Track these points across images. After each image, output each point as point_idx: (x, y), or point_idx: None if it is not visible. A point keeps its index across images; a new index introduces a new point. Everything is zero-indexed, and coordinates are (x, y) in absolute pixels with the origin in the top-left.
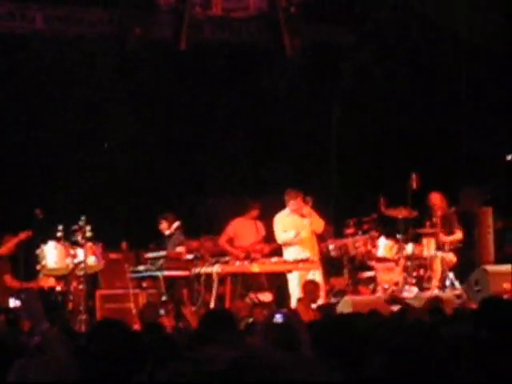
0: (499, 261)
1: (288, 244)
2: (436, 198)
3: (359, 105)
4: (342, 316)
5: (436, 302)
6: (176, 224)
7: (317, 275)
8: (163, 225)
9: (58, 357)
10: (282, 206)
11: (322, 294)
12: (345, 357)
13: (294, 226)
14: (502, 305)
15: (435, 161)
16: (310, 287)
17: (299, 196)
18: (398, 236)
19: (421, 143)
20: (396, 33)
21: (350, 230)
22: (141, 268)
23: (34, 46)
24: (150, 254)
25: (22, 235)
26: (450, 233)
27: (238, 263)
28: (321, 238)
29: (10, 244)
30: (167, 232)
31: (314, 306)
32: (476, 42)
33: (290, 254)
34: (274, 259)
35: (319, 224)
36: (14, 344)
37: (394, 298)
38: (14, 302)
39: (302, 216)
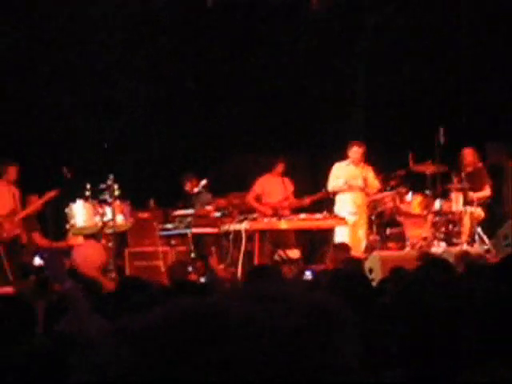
0: None
1: (339, 191)
2: (469, 154)
3: (385, 60)
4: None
5: (465, 256)
6: (203, 182)
7: (360, 231)
8: (187, 185)
9: (81, 314)
10: (310, 164)
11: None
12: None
13: (347, 175)
14: None
15: (463, 115)
16: (336, 251)
17: (362, 147)
18: (427, 191)
19: (448, 98)
20: None
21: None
22: (169, 226)
23: (50, 4)
24: (178, 212)
25: (50, 194)
26: (479, 188)
27: (265, 220)
28: None
29: (37, 204)
30: (195, 190)
31: None
32: None
33: (340, 202)
34: (303, 215)
35: (374, 184)
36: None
37: (425, 254)
38: (38, 261)
39: (361, 167)
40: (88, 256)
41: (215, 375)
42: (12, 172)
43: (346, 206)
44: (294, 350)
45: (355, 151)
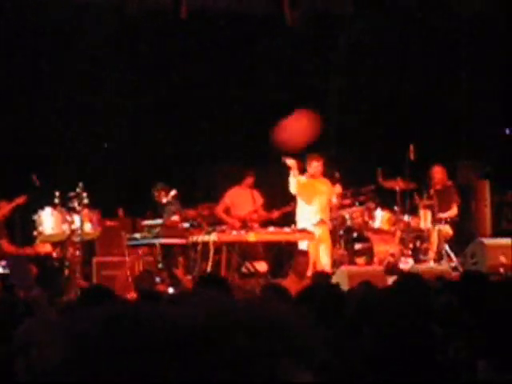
0: (496, 235)
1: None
2: (438, 172)
3: (358, 76)
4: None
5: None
6: (173, 192)
7: (323, 247)
8: (157, 194)
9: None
10: (280, 176)
11: (327, 264)
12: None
13: (310, 189)
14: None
15: (433, 133)
16: (299, 258)
17: (321, 160)
18: (395, 207)
19: (419, 115)
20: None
21: (346, 201)
22: (137, 235)
23: (31, 11)
24: (147, 222)
25: (18, 200)
26: (447, 207)
27: (234, 232)
28: None
29: (5, 210)
30: (164, 200)
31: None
32: (476, 10)
33: (303, 214)
34: (271, 229)
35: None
36: (9, 310)
37: (392, 269)
38: (1, 269)
39: (320, 181)
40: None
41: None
42: None
43: (310, 217)
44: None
45: (315, 166)
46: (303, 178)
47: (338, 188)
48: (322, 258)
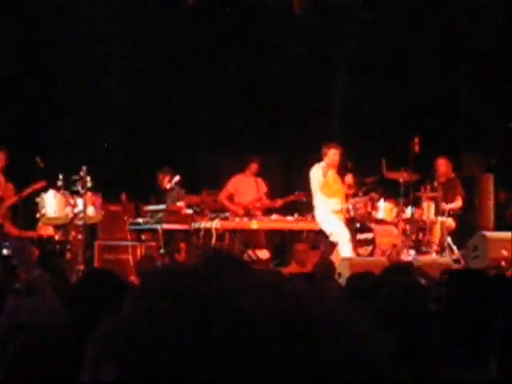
0: (499, 229)
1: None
2: (442, 164)
3: (363, 67)
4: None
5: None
6: (176, 178)
7: None
8: (161, 179)
9: (48, 301)
10: (284, 166)
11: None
12: None
13: (332, 184)
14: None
15: (438, 125)
16: (298, 247)
17: (339, 149)
18: (399, 199)
19: (424, 107)
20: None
21: (350, 191)
22: (140, 220)
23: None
24: (150, 207)
25: (37, 185)
26: (452, 199)
27: (237, 219)
28: None
29: (24, 193)
30: (168, 186)
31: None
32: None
33: (324, 204)
34: (274, 217)
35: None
36: (9, 291)
37: (395, 261)
38: (5, 251)
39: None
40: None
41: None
42: (0, 159)
43: (332, 207)
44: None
45: (334, 153)
46: (329, 175)
47: (350, 178)
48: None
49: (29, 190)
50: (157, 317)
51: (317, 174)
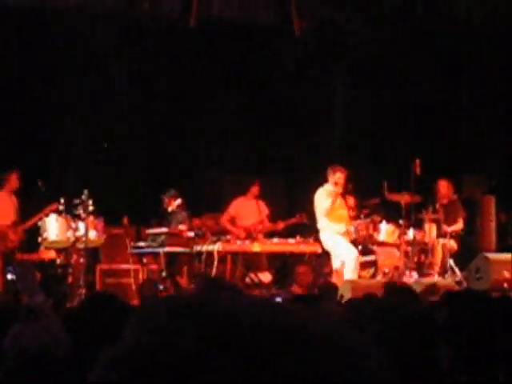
0: (501, 250)
1: (328, 215)
2: (443, 186)
3: (363, 89)
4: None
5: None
6: (178, 201)
7: None
8: (167, 202)
9: (51, 327)
10: (285, 187)
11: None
12: None
13: (338, 208)
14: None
15: (439, 147)
16: (299, 269)
17: (344, 173)
18: (400, 221)
19: (425, 129)
20: (401, 16)
21: (352, 213)
22: (142, 244)
23: (40, 18)
24: (152, 230)
25: (52, 207)
26: (453, 221)
27: (238, 242)
28: None
29: (39, 216)
30: (169, 209)
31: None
32: (476, 23)
33: (329, 227)
34: (276, 239)
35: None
36: (12, 315)
37: (394, 284)
38: (8, 275)
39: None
40: None
41: None
42: (14, 180)
43: (336, 228)
44: None
45: (339, 177)
46: (333, 200)
47: (351, 200)
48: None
49: (45, 212)
50: (161, 339)
51: (322, 200)
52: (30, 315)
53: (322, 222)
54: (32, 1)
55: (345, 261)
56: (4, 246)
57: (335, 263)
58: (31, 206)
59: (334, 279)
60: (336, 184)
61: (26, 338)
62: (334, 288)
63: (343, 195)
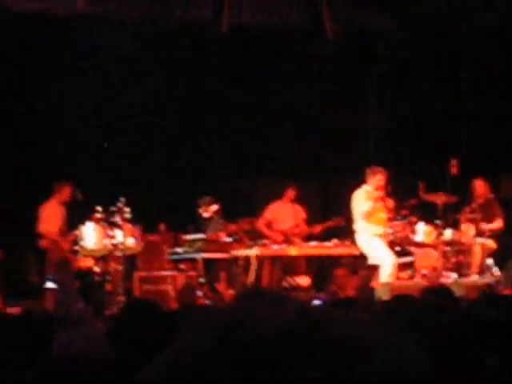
0: None
1: (367, 218)
2: (479, 185)
3: (396, 90)
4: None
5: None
6: (215, 207)
7: None
8: (203, 208)
9: (93, 334)
10: (321, 192)
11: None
12: None
13: (377, 212)
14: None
15: (475, 147)
16: (337, 272)
17: (385, 175)
18: (437, 221)
19: (461, 128)
20: (435, 19)
21: (390, 215)
22: (179, 250)
23: (70, 26)
24: (189, 237)
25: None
26: (491, 220)
27: (275, 246)
28: None
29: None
30: (206, 215)
31: None
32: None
33: (367, 229)
34: (313, 243)
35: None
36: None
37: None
38: (49, 284)
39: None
40: None
41: None
42: (66, 192)
43: (375, 230)
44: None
45: (380, 179)
46: (372, 204)
47: (390, 203)
48: None
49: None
50: (208, 364)
51: (360, 202)
52: (72, 322)
53: (360, 224)
54: (64, 8)
55: (381, 265)
56: (57, 256)
57: (373, 263)
58: (73, 214)
59: (372, 281)
60: (377, 187)
61: (72, 344)
62: (372, 291)
63: (383, 198)
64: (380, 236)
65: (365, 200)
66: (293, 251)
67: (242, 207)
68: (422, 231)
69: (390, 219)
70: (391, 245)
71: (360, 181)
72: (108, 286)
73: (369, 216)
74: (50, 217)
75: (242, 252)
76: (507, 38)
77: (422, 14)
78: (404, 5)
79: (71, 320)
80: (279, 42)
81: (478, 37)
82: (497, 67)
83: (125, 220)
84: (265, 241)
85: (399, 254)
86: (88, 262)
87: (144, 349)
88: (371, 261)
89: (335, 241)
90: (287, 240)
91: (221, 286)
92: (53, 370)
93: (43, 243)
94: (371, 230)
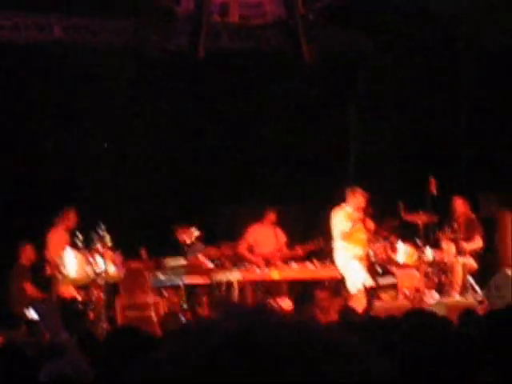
0: None
1: (345, 238)
2: (459, 204)
3: (376, 111)
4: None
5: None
6: (196, 233)
7: None
8: (181, 235)
9: (77, 363)
10: (301, 214)
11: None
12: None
13: (356, 233)
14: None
15: (453, 165)
16: (320, 294)
17: (365, 196)
18: (417, 241)
19: (437, 148)
20: (414, 40)
21: (370, 237)
22: (161, 277)
23: (51, 55)
24: (171, 263)
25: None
26: (471, 238)
27: (258, 270)
28: None
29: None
30: (187, 241)
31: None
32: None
33: (344, 249)
34: (294, 265)
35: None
36: (35, 354)
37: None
38: (31, 313)
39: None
40: None
41: None
42: (71, 217)
43: (354, 251)
44: None
45: (361, 201)
46: (351, 224)
47: (370, 223)
48: None
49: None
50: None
51: (340, 221)
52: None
53: (338, 244)
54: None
55: (351, 286)
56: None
57: (351, 288)
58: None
59: (352, 303)
60: (357, 208)
61: (59, 373)
62: (355, 313)
63: (362, 219)
64: (359, 258)
65: (344, 220)
66: (275, 275)
67: (223, 231)
68: (404, 252)
69: (371, 240)
70: (373, 266)
71: (339, 200)
72: (91, 315)
73: (348, 236)
74: (57, 245)
75: (224, 276)
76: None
77: (403, 35)
78: (383, 26)
79: (56, 350)
80: (257, 66)
81: (456, 55)
82: (476, 87)
83: (106, 247)
84: (247, 264)
85: (381, 275)
86: (71, 291)
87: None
88: (349, 284)
89: (315, 262)
90: (269, 263)
91: (203, 311)
92: None
93: (49, 271)
94: (350, 251)
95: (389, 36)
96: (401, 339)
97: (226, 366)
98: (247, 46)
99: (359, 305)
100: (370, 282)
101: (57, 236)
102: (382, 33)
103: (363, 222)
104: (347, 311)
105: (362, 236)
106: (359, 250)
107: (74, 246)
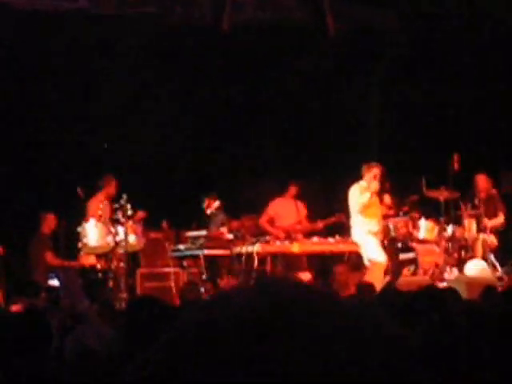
0: None
1: (362, 211)
2: (482, 181)
3: (399, 87)
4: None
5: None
6: (217, 203)
7: None
8: (206, 203)
9: (99, 331)
10: (323, 188)
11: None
12: None
13: (373, 204)
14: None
15: (476, 142)
16: (338, 269)
17: (381, 169)
18: (440, 217)
19: (462, 124)
20: (437, 18)
21: (390, 212)
22: (181, 247)
23: (74, 24)
24: (191, 233)
25: (140, 215)
26: (493, 215)
27: (278, 243)
28: None
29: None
30: (208, 211)
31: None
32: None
33: (361, 223)
34: (315, 239)
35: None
36: (56, 321)
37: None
38: (52, 281)
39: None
40: None
41: None
42: (112, 186)
43: (370, 228)
44: None
45: (376, 173)
46: (368, 196)
47: (388, 198)
48: None
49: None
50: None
51: (355, 195)
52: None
53: (355, 219)
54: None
55: (371, 263)
56: None
57: (367, 263)
58: (76, 211)
59: (367, 277)
60: (374, 178)
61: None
62: (373, 288)
63: (379, 193)
64: (375, 234)
65: (361, 193)
66: (295, 248)
67: (244, 204)
68: (424, 227)
69: (391, 215)
70: (393, 241)
71: (358, 177)
72: (110, 283)
73: (365, 209)
74: (96, 212)
75: (244, 249)
76: (510, 35)
77: (425, 12)
78: (406, 2)
79: (78, 318)
80: (281, 39)
81: (480, 31)
82: (499, 64)
83: (127, 217)
84: (267, 237)
85: (402, 251)
86: (91, 260)
87: (151, 344)
88: (365, 258)
89: (337, 237)
90: (289, 237)
91: (223, 283)
92: (66, 365)
93: None
94: (367, 225)
95: (413, 12)
96: (416, 315)
97: (257, 342)
98: (271, 18)
99: (375, 279)
100: (383, 258)
101: (95, 205)
102: (406, 9)
103: (379, 196)
104: (363, 285)
105: (378, 210)
106: (375, 225)
107: (95, 215)
